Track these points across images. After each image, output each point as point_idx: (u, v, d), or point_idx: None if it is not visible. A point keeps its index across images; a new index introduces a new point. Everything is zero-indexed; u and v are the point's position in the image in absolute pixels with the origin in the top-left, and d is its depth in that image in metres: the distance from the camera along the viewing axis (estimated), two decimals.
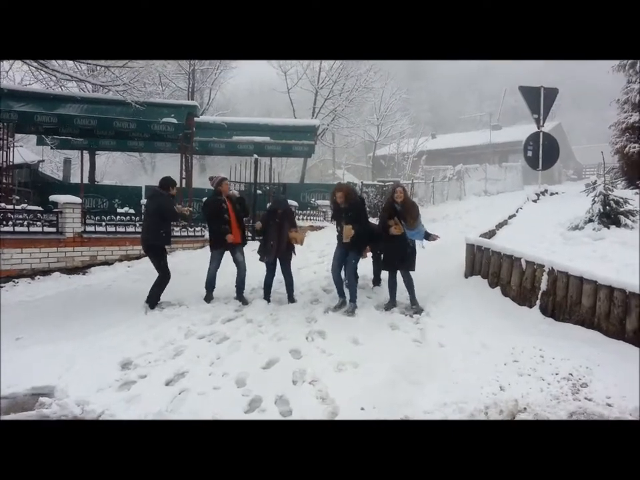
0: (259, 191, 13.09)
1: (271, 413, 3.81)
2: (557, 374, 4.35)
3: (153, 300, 6.60)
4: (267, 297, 6.88)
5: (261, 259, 6.82)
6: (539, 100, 14.99)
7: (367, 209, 7.37)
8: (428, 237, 6.53)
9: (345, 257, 6.62)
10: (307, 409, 3.85)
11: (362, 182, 18.80)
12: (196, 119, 13.81)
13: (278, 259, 6.81)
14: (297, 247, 6.94)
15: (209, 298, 6.96)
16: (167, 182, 6.86)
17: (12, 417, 3.71)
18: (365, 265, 7.59)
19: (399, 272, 6.54)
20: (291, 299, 6.90)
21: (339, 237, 6.67)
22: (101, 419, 3.69)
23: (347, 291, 6.61)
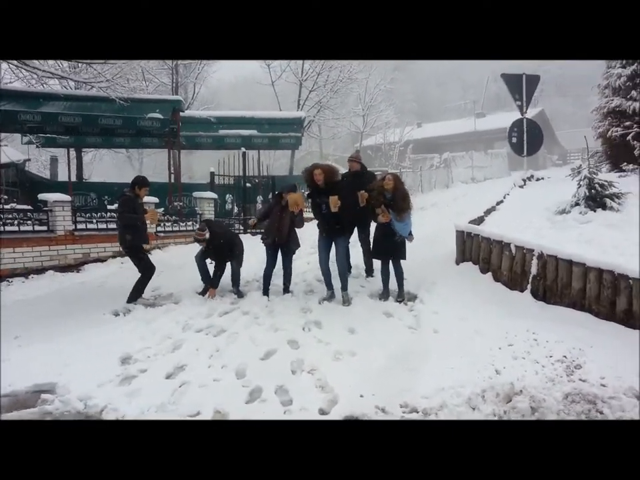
0: (247, 184, 13.09)
1: (271, 402, 3.87)
2: (551, 356, 4.45)
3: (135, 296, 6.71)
4: (266, 290, 6.80)
5: (264, 241, 6.78)
6: (521, 87, 15.11)
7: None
8: (408, 234, 6.44)
9: (330, 245, 6.55)
10: (306, 397, 3.92)
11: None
12: (181, 113, 13.76)
13: (280, 250, 6.77)
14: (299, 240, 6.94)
15: (204, 291, 6.95)
16: (134, 180, 6.90)
17: (14, 415, 3.74)
18: (358, 255, 7.66)
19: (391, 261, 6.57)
20: (287, 290, 6.89)
21: (319, 225, 6.58)
22: (103, 414, 3.73)
23: (336, 281, 6.55)
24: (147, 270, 6.80)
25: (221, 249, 6.84)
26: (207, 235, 6.74)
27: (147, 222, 6.94)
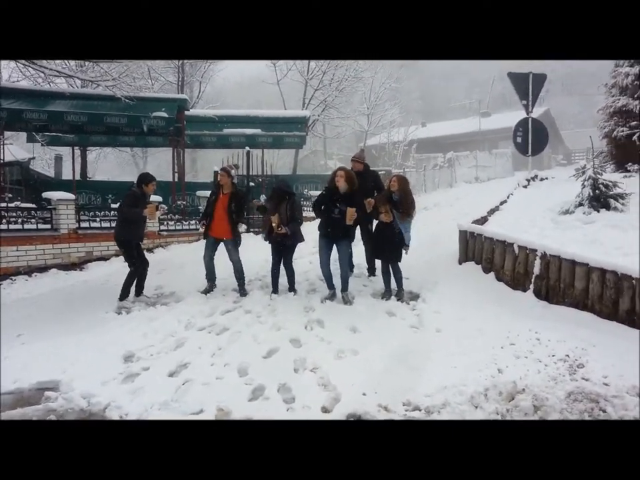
0: (251, 183, 13.10)
1: (274, 400, 3.88)
2: (553, 355, 4.45)
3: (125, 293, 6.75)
4: (275, 288, 6.80)
5: (264, 239, 6.80)
6: (527, 86, 14.97)
7: None
8: (406, 242, 6.40)
9: (332, 247, 6.48)
10: (309, 395, 3.93)
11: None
12: (186, 112, 13.81)
13: (282, 247, 6.69)
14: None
15: (206, 290, 6.94)
16: (139, 178, 6.91)
17: (19, 412, 3.76)
18: (361, 254, 7.65)
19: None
20: (291, 288, 6.87)
21: (320, 227, 6.50)
22: (106, 411, 3.75)
23: (337, 280, 6.53)
24: (134, 265, 6.82)
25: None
26: (235, 173, 7.00)
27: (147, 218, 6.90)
